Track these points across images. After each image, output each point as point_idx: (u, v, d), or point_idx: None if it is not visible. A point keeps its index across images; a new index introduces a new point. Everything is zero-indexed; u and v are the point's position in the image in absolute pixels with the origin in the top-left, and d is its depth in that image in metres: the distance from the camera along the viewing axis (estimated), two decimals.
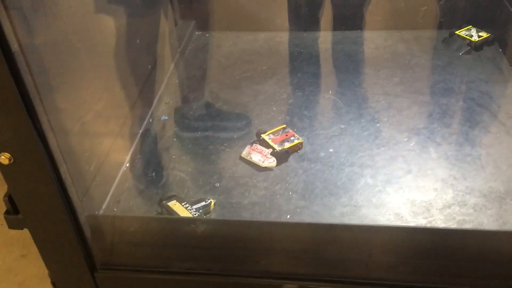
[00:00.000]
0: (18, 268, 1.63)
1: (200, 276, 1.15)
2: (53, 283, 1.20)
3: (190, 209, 1.23)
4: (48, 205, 1.02)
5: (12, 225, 1.09)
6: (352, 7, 1.94)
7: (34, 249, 1.14)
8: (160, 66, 1.76)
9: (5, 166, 0.95)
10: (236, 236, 1.14)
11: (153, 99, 1.65)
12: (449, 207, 1.23)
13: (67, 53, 1.13)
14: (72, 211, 1.05)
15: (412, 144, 1.43)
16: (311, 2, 1.94)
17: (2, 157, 0.94)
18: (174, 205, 1.25)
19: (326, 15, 1.96)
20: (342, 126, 1.51)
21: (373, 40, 1.94)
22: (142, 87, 1.58)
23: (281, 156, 1.39)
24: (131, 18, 1.49)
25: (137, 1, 1.59)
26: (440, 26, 1.95)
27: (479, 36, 1.82)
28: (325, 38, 2.00)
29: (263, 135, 1.45)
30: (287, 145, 1.42)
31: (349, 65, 1.81)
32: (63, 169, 1.00)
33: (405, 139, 1.45)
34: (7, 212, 1.07)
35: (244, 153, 1.42)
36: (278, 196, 1.29)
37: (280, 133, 1.46)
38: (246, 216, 1.25)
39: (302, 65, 1.83)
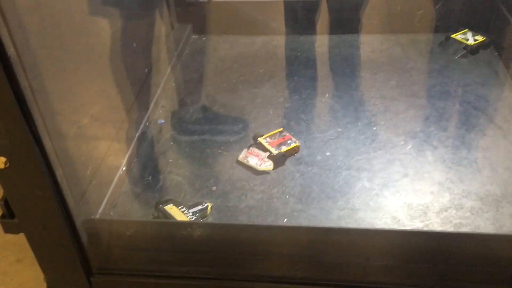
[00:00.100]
0: (14, 273, 1.62)
1: (197, 281, 1.15)
2: None
3: (186, 213, 1.23)
4: (44, 209, 1.02)
5: (7, 229, 1.08)
6: (348, 11, 1.95)
7: (30, 253, 1.13)
8: (157, 69, 1.76)
9: (0, 170, 0.95)
10: (233, 240, 1.14)
11: (150, 103, 1.65)
12: (446, 210, 1.23)
13: (63, 57, 1.13)
14: (68, 215, 1.05)
15: (408, 148, 1.43)
16: (308, 6, 1.95)
17: None
18: (170, 209, 1.24)
19: (323, 19, 1.96)
20: (339, 130, 1.51)
21: (370, 43, 1.94)
22: (139, 90, 1.58)
23: (278, 160, 1.39)
24: (128, 22, 1.49)
25: (133, 5, 1.59)
26: (436, 30, 1.96)
27: (475, 40, 1.82)
28: (321, 41, 2.00)
29: (260, 139, 1.45)
30: (284, 148, 1.41)
31: (346, 69, 1.81)
32: (59, 173, 0.99)
33: (402, 143, 1.45)
34: (2, 216, 1.06)
35: (241, 157, 1.42)
36: (275, 200, 1.29)
37: (277, 136, 1.46)
38: (243, 219, 1.25)
39: (299, 69, 1.83)
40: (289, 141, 1.44)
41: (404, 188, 1.30)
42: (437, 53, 1.86)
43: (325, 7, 1.93)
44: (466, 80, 1.70)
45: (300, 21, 2.00)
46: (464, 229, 1.18)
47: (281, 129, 1.49)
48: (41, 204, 1.01)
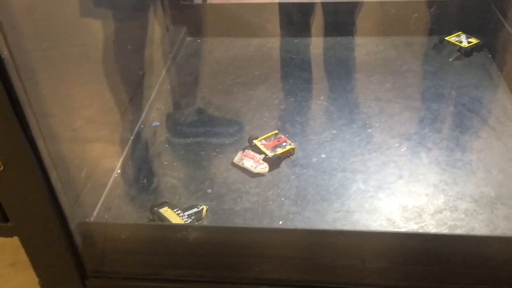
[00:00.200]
0: (8, 277, 1.61)
1: (192, 284, 1.15)
2: None
3: (182, 216, 1.23)
4: (38, 213, 1.01)
5: (1, 233, 1.07)
6: (343, 13, 1.95)
7: (24, 257, 1.12)
8: (152, 72, 1.75)
9: None
10: (228, 243, 1.13)
11: (145, 105, 1.64)
12: (441, 212, 1.24)
13: (58, 59, 1.12)
14: (63, 218, 1.04)
15: (403, 150, 1.43)
16: (303, 8, 1.95)
17: None
18: (165, 211, 1.24)
19: (318, 21, 1.97)
20: (334, 132, 1.51)
21: (365, 46, 1.95)
22: (133, 93, 1.58)
23: (273, 162, 1.39)
24: (122, 24, 1.48)
25: (128, 7, 1.58)
26: (430, 32, 1.97)
27: (468, 42, 1.83)
28: (316, 44, 2.01)
29: (255, 141, 1.45)
30: (279, 150, 1.41)
31: (341, 71, 1.82)
32: (53, 176, 0.99)
33: (397, 145, 1.45)
34: None
35: (236, 159, 1.42)
36: (270, 202, 1.29)
37: (272, 138, 1.46)
38: (238, 222, 1.24)
39: (294, 71, 1.83)
40: (284, 144, 1.44)
41: (399, 190, 1.30)
42: (431, 55, 1.87)
43: (320, 9, 1.94)
44: (460, 82, 1.71)
45: (295, 23, 2.00)
46: (458, 231, 1.19)
47: (276, 131, 1.49)
48: (35, 207, 1.00)
